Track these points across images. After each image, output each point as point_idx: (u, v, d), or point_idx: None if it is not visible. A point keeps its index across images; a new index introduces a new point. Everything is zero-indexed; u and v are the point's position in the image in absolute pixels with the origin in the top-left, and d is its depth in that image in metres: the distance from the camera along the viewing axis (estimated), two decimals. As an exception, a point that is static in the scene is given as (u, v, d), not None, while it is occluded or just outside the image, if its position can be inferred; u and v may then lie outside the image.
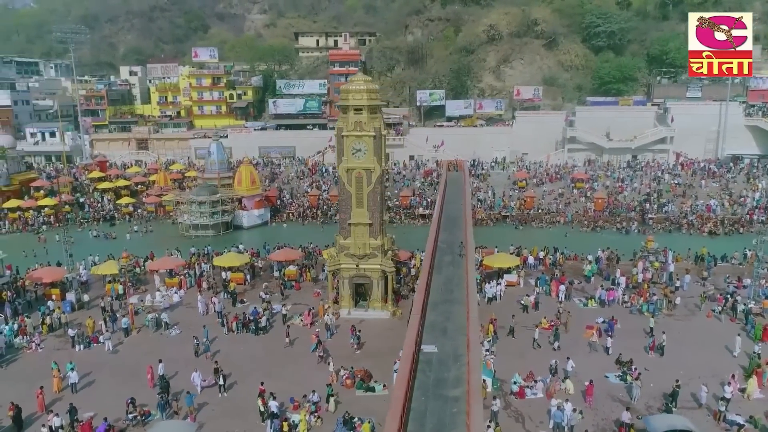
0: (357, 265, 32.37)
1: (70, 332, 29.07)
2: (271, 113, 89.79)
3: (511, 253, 42.57)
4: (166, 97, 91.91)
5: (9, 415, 21.80)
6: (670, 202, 58.36)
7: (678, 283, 36.17)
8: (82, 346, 28.69)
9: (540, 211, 59.57)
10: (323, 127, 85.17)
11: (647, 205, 58.05)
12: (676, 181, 64.35)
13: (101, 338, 28.78)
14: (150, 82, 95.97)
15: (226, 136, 77.28)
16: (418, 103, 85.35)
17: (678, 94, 79.63)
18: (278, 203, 62.92)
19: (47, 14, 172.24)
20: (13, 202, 57.56)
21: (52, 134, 74.66)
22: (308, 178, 70.53)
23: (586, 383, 23.99)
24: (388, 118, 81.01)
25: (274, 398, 22.95)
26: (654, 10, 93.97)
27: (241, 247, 45.77)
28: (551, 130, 74.13)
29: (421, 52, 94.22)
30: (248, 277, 38.56)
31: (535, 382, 24.79)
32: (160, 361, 25.45)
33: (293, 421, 21.83)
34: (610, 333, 29.82)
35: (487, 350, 27.40)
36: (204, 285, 37.19)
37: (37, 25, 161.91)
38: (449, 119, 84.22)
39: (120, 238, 53.71)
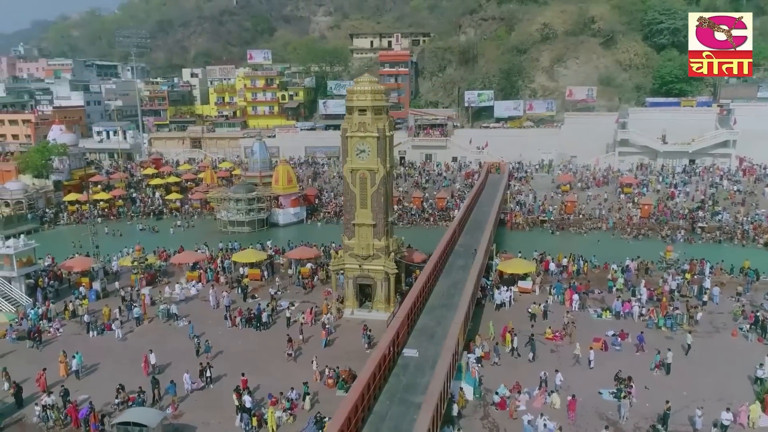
0: (360, 266, 32.43)
1: (86, 318, 30.95)
2: (321, 113, 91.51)
3: (534, 259, 41.32)
4: (223, 98, 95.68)
5: (10, 393, 23.48)
6: (725, 210, 54.43)
7: (706, 297, 33.67)
8: (95, 333, 30.45)
9: (581, 216, 57.25)
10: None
11: (699, 213, 54.46)
12: (735, 188, 59.92)
13: (113, 326, 30.39)
14: (210, 83, 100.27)
15: (274, 136, 79.51)
16: (466, 104, 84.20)
17: (748, 95, 74.06)
18: (317, 202, 64.01)
19: (128, 20, 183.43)
20: (72, 196, 61.84)
21: (116, 133, 79.60)
22: (349, 178, 71.08)
23: (569, 398, 22.87)
24: (436, 119, 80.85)
25: (250, 393, 23.50)
26: (724, 5, 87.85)
27: (268, 243, 46.87)
28: (602, 133, 70.91)
29: (472, 52, 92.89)
30: (266, 273, 39.46)
31: (519, 393, 23.87)
32: (151, 351, 26.61)
33: (265, 417, 22.20)
34: (616, 346, 28.41)
35: (476, 358, 26.65)
36: (222, 280, 38.43)
37: (119, 29, 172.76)
38: (498, 120, 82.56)
39: (164, 232, 56.54)
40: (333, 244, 46.34)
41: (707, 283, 35.12)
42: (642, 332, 28.98)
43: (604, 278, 38.09)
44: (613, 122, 70.52)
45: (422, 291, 28.32)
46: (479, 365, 25.76)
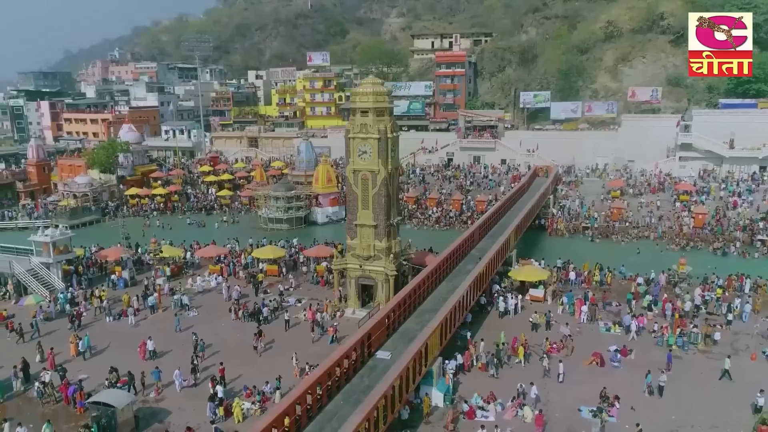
0: (360, 266, 32.69)
1: (104, 304, 33.36)
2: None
3: (555, 267, 39.81)
4: (284, 99, 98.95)
5: (18, 368, 25.77)
6: (793, 223, 49.75)
7: (731, 316, 31.02)
8: (111, 318, 32.72)
9: (627, 224, 54.30)
10: (424, 128, 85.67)
11: (761, 224, 50.10)
12: (809, 199, 54.59)
13: (128, 312, 32.52)
14: (275, 84, 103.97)
15: (326, 136, 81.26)
16: (521, 105, 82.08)
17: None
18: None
19: (212, 25, 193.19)
20: (132, 190, 66.45)
21: (182, 132, 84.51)
22: (395, 179, 71.35)
23: (536, 412, 21.98)
24: (490, 120, 79.43)
25: (224, 383, 24.46)
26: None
27: (294, 241, 48.11)
28: (662, 136, 66.64)
29: (532, 52, 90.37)
30: (284, 270, 40.57)
31: (488, 403, 23.22)
32: (150, 338, 28.28)
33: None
34: (614, 363, 26.92)
35: (459, 365, 26.16)
36: (241, 274, 39.96)
37: (201, 34, 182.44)
38: (555, 122, 79.85)
39: (209, 226, 59.44)
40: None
41: (737, 302, 32.34)
42: (670, 350, 27.12)
43: (629, 290, 36.02)
44: (674, 125, 66.18)
45: (411, 294, 28.15)
46: (461, 373, 25.21)
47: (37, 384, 24.72)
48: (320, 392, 20.17)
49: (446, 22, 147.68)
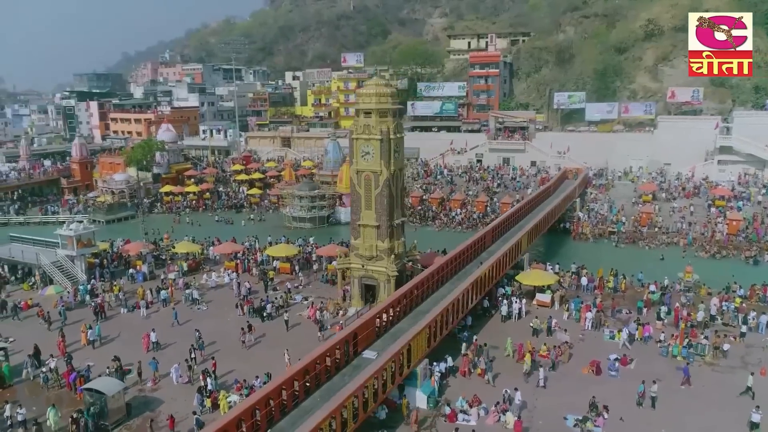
0: (363, 266, 32.92)
1: (120, 296, 34.87)
2: (409, 115, 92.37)
3: (568, 272, 38.97)
4: (320, 100, 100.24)
5: (29, 355, 27.31)
6: (836, 232, 46.95)
7: (744, 328, 29.59)
8: (126, 310, 34.15)
9: (656, 229, 52.48)
10: (456, 129, 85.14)
11: (801, 232, 47.57)
12: None
13: (140, 305, 33.87)
14: (312, 85, 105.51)
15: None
16: (555, 106, 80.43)
17: None
18: (383, 202, 65.04)
19: (258, 27, 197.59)
20: (167, 188, 68.86)
21: (218, 131, 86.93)
22: (422, 180, 71.39)
23: (515, 419, 21.66)
24: (524, 122, 78.14)
25: (214, 376, 25.20)
26: None
27: (311, 240, 48.81)
28: (701, 138, 64.00)
29: (569, 52, 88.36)
30: (296, 268, 41.24)
31: (470, 407, 23.02)
32: (153, 330, 29.40)
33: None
34: (611, 372, 26.19)
35: (449, 368, 26.03)
36: (254, 271, 40.89)
37: (246, 35, 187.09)
38: (590, 123, 77.89)
39: (237, 224, 61.01)
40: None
41: (753, 313, 30.83)
42: (688, 364, 25.96)
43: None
44: (713, 127, 63.43)
45: (406, 295, 28.20)
46: (454, 376, 25.07)
47: (43, 369, 26.11)
48: (297, 388, 20.55)
49: (489, 21, 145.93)
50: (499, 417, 22.57)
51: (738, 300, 32.69)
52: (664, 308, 32.29)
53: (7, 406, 22.88)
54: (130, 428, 22.65)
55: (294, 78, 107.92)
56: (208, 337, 30.05)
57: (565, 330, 29.37)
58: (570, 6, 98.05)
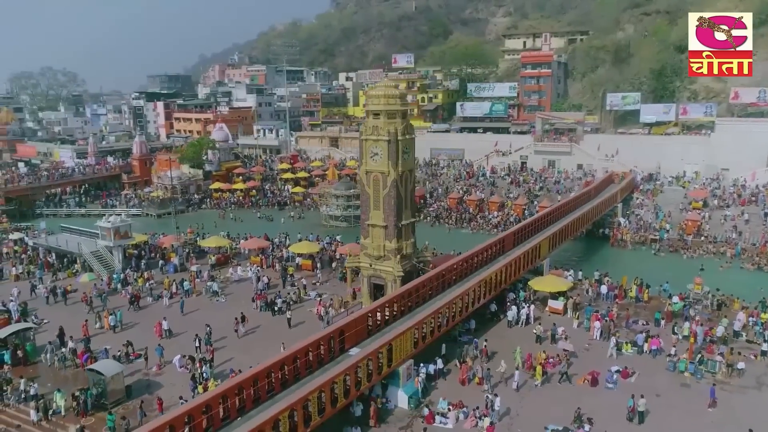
0: (371, 265, 33.34)
1: (147, 285, 37.09)
2: (458, 116, 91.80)
3: (594, 279, 37.69)
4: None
5: (56, 335, 29.69)
6: None
7: (766, 346, 27.60)
8: (151, 299, 36.26)
9: (703, 238, 49.66)
10: (505, 131, 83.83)
11: None
12: None
13: (164, 294, 35.90)
14: (365, 86, 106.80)
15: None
16: (608, 107, 77.49)
17: None
18: (421, 203, 65.19)
19: (322, 29, 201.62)
20: (216, 184, 72.05)
21: (270, 131, 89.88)
22: (464, 181, 70.82)
23: (487, 425, 21.40)
24: (572, 124, 75.82)
25: (210, 364, 26.43)
26: None
27: (338, 238, 49.70)
28: (763, 142, 59.83)
29: (627, 51, 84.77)
30: (318, 265, 42.18)
31: (449, 410, 22.94)
32: (165, 318, 31.13)
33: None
34: (609, 383, 25.28)
35: (439, 370, 25.98)
36: (277, 266, 42.21)
37: (310, 37, 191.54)
38: (646, 125, 74.55)
39: (277, 221, 62.98)
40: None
41: (780, 330, 28.75)
42: (714, 384, 24.42)
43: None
44: (776, 130, 59.14)
45: (403, 296, 28.33)
46: (421, 375, 25.03)
47: (63, 350, 28.32)
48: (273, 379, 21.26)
49: (554, 20, 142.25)
50: (477, 422, 22.36)
51: (765, 315, 30.52)
52: (686, 323, 30.59)
53: (22, 381, 25.05)
54: (127, 408, 24.14)
55: (347, 79, 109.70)
56: (219, 327, 31.39)
57: (566, 338, 28.51)
58: (631, 3, 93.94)
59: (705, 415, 23.05)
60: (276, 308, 33.87)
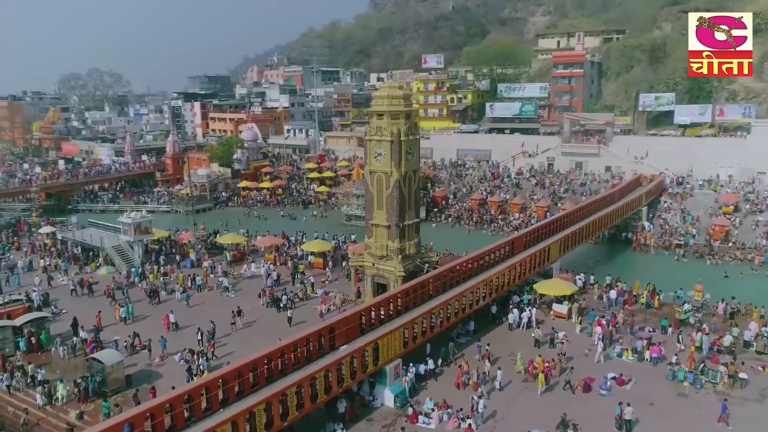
0: (373, 264, 33.60)
1: (161, 280, 38.40)
2: (487, 117, 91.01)
3: (605, 284, 36.89)
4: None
5: (69, 325, 31.15)
6: None
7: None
8: (165, 293, 37.52)
9: (731, 244, 47.87)
10: (535, 132, 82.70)
11: None
12: None
13: (176, 289, 37.10)
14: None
15: (429, 138, 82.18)
16: (640, 108, 75.42)
17: None
18: (442, 203, 65.11)
19: (360, 29, 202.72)
20: (244, 183, 73.72)
21: (300, 131, 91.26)
22: (489, 183, 70.21)
23: (465, 427, 21.35)
24: (600, 124, 74.13)
25: (206, 357, 27.25)
26: None
27: (353, 237, 50.11)
28: (803, 145, 57.21)
29: (663, 50, 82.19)
30: (330, 263, 42.70)
31: (433, 410, 22.97)
32: (171, 311, 32.21)
33: (208, 380, 25.57)
34: (602, 390, 24.81)
35: (430, 370, 26.03)
36: (289, 264, 42.94)
37: (347, 38, 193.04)
38: (680, 127, 72.26)
39: (299, 219, 64.02)
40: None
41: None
42: (725, 400, 23.12)
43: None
44: (816, 132, 56.35)
45: (398, 296, 28.46)
46: (408, 374, 25.10)
47: (74, 339, 29.70)
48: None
49: (595, 19, 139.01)
50: (460, 423, 22.33)
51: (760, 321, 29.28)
52: (698, 333, 29.58)
53: (30, 366, 26.44)
54: (126, 397, 25.13)
55: (378, 79, 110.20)
56: (225, 322, 32.25)
57: (563, 342, 28.05)
58: (669, 0, 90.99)
59: (697, 427, 22.36)
60: (281, 305, 34.51)
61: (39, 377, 25.71)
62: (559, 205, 59.31)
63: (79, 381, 24.98)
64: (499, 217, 59.64)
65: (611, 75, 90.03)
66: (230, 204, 71.35)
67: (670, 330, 30.32)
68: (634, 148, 66.77)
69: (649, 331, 30.57)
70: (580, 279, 36.98)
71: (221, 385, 20.74)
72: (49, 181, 72.02)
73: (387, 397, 24.08)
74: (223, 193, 72.34)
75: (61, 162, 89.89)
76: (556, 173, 69.24)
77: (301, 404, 20.94)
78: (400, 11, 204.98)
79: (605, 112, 79.85)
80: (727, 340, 28.08)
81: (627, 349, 27.98)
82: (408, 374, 24.96)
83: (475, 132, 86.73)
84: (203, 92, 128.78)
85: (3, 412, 25.51)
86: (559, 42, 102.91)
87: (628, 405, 22.20)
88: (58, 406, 24.71)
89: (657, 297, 34.16)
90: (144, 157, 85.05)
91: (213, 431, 18.40)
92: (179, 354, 28.38)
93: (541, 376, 25.08)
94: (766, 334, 28.96)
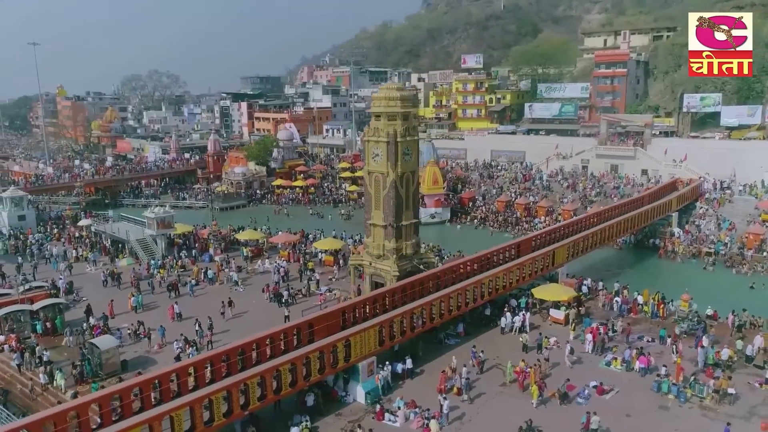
0: (370, 263, 34.05)
1: (176, 272, 40.30)
2: (527, 117, 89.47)
3: (614, 291, 35.87)
4: (441, 101, 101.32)
5: (83, 311, 33.31)
6: None
7: (770, 371, 25.06)
8: (182, 286, 39.33)
9: (766, 254, 45.35)
10: (574, 133, 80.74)
11: None
12: None
13: (188, 281, 38.83)
14: (435, 86, 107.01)
15: (463, 138, 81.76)
16: (684, 109, 72.20)
17: None
18: (470, 205, 64.73)
19: (411, 30, 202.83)
20: (278, 181, 75.74)
21: (338, 131, 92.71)
22: (520, 184, 69.13)
23: (423, 427, 21.47)
24: (642, 127, 71.46)
25: (196, 347, 28.51)
26: None
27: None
28: None
29: (714, 48, 78.12)
30: (340, 261, 43.43)
31: (399, 409, 23.21)
32: (176, 302, 33.81)
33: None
34: (580, 399, 24.31)
35: (408, 370, 26.24)
36: (301, 260, 44.00)
37: (397, 38, 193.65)
38: (728, 129, 68.76)
39: (326, 218, 65.26)
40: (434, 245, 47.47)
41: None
42: (728, 424, 21.62)
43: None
44: None
45: (386, 295, 28.84)
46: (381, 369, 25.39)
47: (84, 325, 31.76)
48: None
49: (654, 16, 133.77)
50: (424, 423, 22.47)
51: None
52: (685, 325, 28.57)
53: (38, 348, 28.54)
54: (120, 380, 26.68)
55: (419, 80, 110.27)
56: (240, 316, 33.87)
57: (547, 348, 27.57)
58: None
59: (670, 441, 21.61)
60: (282, 300, 35.52)
61: (45, 358, 27.68)
62: (588, 208, 57.85)
63: (77, 364, 26.75)
64: (525, 219, 58.69)
65: (658, 74, 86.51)
66: (263, 201, 73.47)
67: (669, 340, 29.19)
68: (672, 151, 63.99)
69: (648, 341, 29.55)
70: (585, 285, 36.07)
71: (192, 373, 21.89)
72: (95, 176, 76.52)
73: (359, 393, 24.50)
74: (258, 191, 74.57)
75: (109, 159, 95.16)
76: (590, 176, 67.33)
77: (263, 396, 21.68)
78: (453, 11, 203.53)
79: (649, 113, 76.95)
80: (725, 353, 26.78)
81: (616, 358, 27.17)
82: (382, 372, 25.27)
83: (513, 133, 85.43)
84: (252, 92, 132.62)
85: (12, 389, 27.69)
86: (605, 40, 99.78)
87: (595, 414, 21.71)
88: (57, 387, 26.53)
89: (663, 306, 32.86)
90: (187, 155, 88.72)
91: (172, 412, 19.30)
92: (176, 343, 29.80)
93: (534, 387, 24.19)
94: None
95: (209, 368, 22.35)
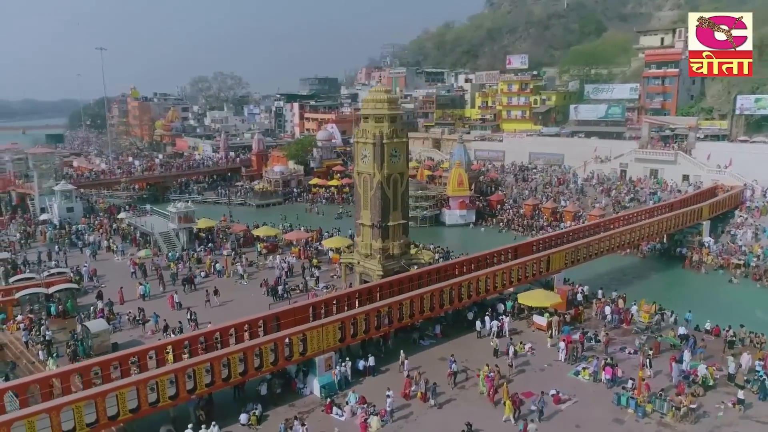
0: (358, 262, 34.75)
1: (192, 265, 42.70)
2: (572, 119, 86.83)
3: (611, 300, 34.75)
4: (486, 102, 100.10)
5: (95, 297, 36.09)
6: None
7: (741, 394, 23.57)
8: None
9: (801, 267, 42.25)
10: (620, 136, 77.67)
11: None
12: None
13: (195, 273, 41.03)
14: (483, 87, 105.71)
15: (501, 140, 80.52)
16: (738, 111, 67.77)
17: None
18: (498, 207, 63.95)
19: (473, 30, 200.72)
20: (315, 180, 77.72)
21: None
22: (553, 188, 67.43)
23: (359, 422, 21.93)
24: (685, 129, 67.86)
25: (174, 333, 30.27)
26: None
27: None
28: None
29: (776, 46, 72.80)
30: (348, 259, 44.34)
31: (347, 404, 23.81)
32: (176, 292, 35.85)
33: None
34: (533, 406, 23.97)
35: (370, 367, 26.75)
36: (308, 257, 45.25)
37: (457, 39, 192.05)
38: (785, 133, 64.03)
39: (354, 217, 66.25)
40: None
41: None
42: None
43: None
44: None
45: (362, 293, 29.48)
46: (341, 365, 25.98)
47: (90, 309, 34.45)
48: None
49: (732, 11, 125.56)
50: (366, 419, 22.95)
51: (759, 354, 25.92)
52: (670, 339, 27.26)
53: (42, 327, 31.29)
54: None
55: (466, 80, 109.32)
56: (225, 305, 35.51)
57: (513, 354, 27.21)
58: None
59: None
60: (277, 295, 36.87)
61: (47, 337, 30.34)
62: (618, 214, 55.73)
63: (71, 344, 29.16)
64: (550, 224, 57.32)
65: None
66: (299, 200, 75.62)
67: (651, 353, 28.01)
68: (718, 156, 60.33)
69: (629, 353, 28.54)
70: (579, 292, 35.09)
71: (152, 356, 23.54)
72: (145, 173, 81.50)
73: (315, 386, 25.30)
74: (295, 189, 76.84)
75: (159, 156, 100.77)
76: (628, 181, 64.66)
77: (212, 382, 22.91)
78: (516, 10, 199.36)
79: (701, 116, 72.89)
80: (701, 370, 25.43)
81: (586, 368, 26.45)
82: (339, 367, 25.92)
83: (556, 135, 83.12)
84: (307, 93, 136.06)
85: (19, 363, 30.52)
86: (662, 39, 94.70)
87: (532, 422, 21.43)
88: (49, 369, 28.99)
89: (656, 318, 31.45)
90: (233, 154, 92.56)
91: (120, 389, 20.88)
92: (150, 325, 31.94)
93: (508, 403, 23.21)
94: (758, 368, 25.83)
95: (170, 353, 23.97)
